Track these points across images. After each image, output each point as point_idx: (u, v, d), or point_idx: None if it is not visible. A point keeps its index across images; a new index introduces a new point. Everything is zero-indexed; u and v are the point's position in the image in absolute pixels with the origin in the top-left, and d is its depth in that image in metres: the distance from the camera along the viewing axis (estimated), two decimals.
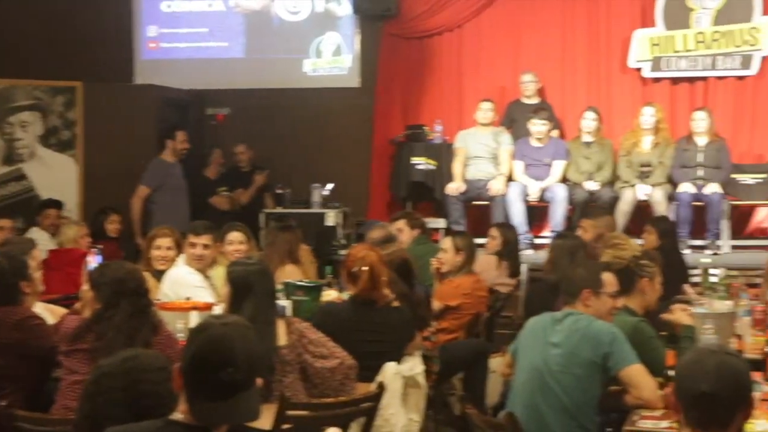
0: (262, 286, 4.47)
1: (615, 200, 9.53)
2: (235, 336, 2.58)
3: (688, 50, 10.38)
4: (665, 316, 5.18)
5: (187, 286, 5.98)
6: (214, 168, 10.64)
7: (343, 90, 11.40)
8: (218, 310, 5.19)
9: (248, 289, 4.44)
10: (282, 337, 4.47)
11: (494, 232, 7.66)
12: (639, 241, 7.62)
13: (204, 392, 2.54)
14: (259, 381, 2.62)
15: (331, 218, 10.15)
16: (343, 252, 8.89)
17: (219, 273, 6.06)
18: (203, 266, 6.20)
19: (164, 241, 6.44)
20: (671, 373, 4.07)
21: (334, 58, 11.48)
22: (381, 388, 4.52)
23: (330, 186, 10.48)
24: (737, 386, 2.63)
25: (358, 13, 11.27)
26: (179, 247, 6.38)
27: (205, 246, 6.18)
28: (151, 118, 10.46)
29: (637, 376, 4.13)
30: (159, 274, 6.21)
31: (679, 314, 5.09)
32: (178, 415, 2.59)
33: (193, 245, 6.16)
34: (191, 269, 6.14)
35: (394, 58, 11.29)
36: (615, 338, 4.19)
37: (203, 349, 2.57)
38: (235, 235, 6.65)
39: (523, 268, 8.04)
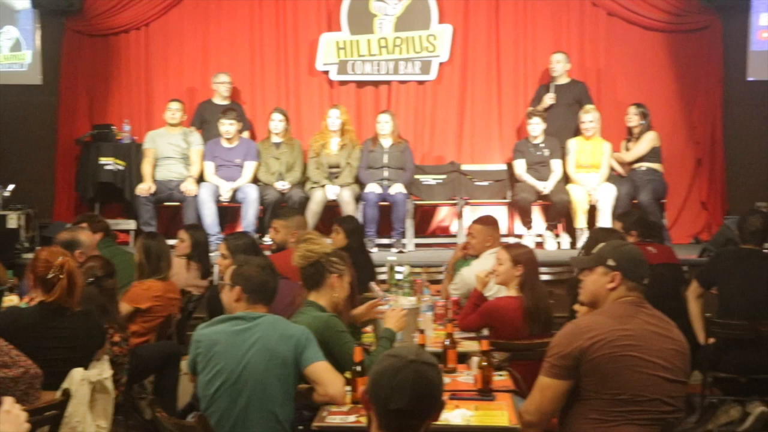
0: None
1: (305, 200, 9.69)
2: None
3: (372, 55, 10.73)
4: (355, 311, 5.30)
5: None
6: None
7: (23, 87, 10.90)
8: None
9: None
10: None
11: (183, 234, 7.57)
12: (328, 241, 7.79)
13: None
14: None
15: (13, 220, 9.66)
16: (27, 255, 8.51)
17: None
18: None
19: None
20: (359, 369, 4.19)
21: (12, 54, 10.94)
22: (66, 395, 4.36)
23: (11, 187, 9.98)
24: (431, 399, 2.73)
25: (37, 8, 10.80)
26: None
27: None
28: None
29: (324, 372, 4.19)
30: None
31: (389, 313, 5.14)
32: None
33: None
34: None
35: (78, 55, 10.92)
36: (308, 336, 4.25)
37: None
38: None
39: (216, 269, 8.00)
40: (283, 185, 9.72)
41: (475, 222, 7.18)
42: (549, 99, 10.23)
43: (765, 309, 6.26)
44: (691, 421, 6.43)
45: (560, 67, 10.33)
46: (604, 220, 9.41)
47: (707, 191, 10.79)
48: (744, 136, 10.73)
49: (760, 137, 10.68)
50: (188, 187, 9.63)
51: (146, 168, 9.83)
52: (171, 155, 9.88)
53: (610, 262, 3.88)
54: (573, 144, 9.98)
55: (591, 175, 9.83)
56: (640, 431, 3.64)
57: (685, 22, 10.79)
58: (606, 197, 9.63)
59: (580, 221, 9.65)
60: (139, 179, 9.87)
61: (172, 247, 7.26)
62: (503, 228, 9.86)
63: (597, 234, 6.49)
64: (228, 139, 9.84)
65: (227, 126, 9.80)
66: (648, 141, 9.87)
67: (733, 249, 7.48)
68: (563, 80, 10.38)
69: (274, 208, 9.41)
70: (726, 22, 10.73)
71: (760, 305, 6.30)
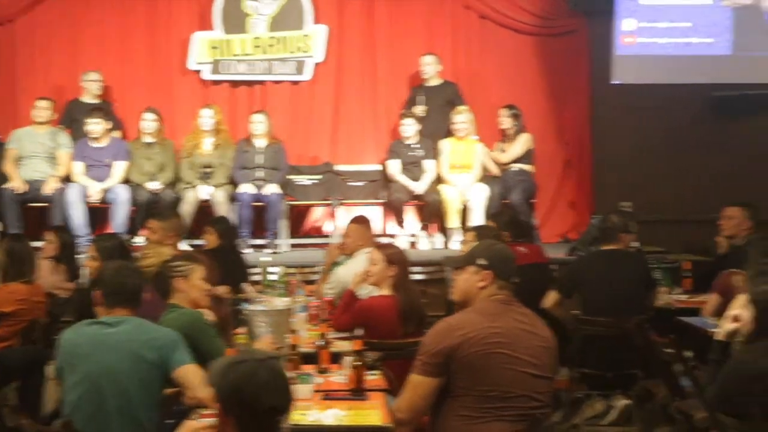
0: None
1: (177, 201, 9.55)
2: None
3: (246, 54, 10.66)
4: None
5: None
6: None
7: None
8: None
9: None
10: None
11: (50, 236, 7.39)
12: (201, 242, 7.72)
13: None
14: None
15: None
16: None
17: None
18: None
19: None
20: None
21: None
22: None
23: None
24: (291, 392, 2.80)
25: None
26: None
27: None
28: None
29: (192, 375, 4.14)
30: None
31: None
32: None
33: None
34: None
35: None
36: (175, 339, 4.20)
37: None
38: None
39: (85, 272, 7.83)
40: (154, 186, 9.56)
41: (350, 222, 7.22)
42: (419, 111, 10.26)
43: (628, 306, 6.46)
44: (558, 415, 6.59)
45: (431, 69, 10.43)
46: (477, 220, 9.54)
47: (575, 191, 11.05)
48: (610, 138, 11.02)
49: (625, 139, 10.99)
50: (52, 187, 9.37)
51: (8, 167, 9.52)
52: (38, 154, 9.61)
53: (481, 261, 3.94)
54: (446, 145, 10.08)
55: (464, 176, 9.95)
56: (508, 427, 3.71)
57: (553, 25, 11.04)
58: (478, 197, 9.76)
59: (453, 221, 9.77)
60: (4, 179, 9.57)
61: (39, 248, 7.07)
62: (377, 228, 9.93)
63: (480, 232, 6.61)
64: (95, 139, 9.64)
65: (92, 125, 9.60)
66: (523, 143, 10.04)
67: (594, 252, 7.72)
68: (435, 82, 10.48)
69: (146, 209, 9.25)
70: (592, 26, 11.00)
71: (623, 303, 6.50)
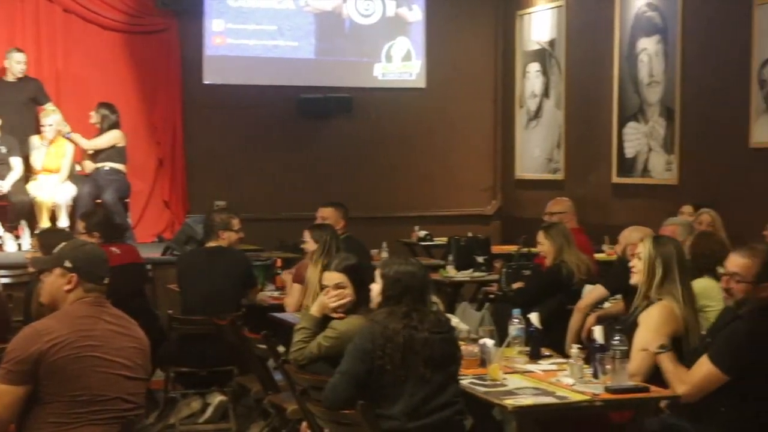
0: None
1: None
2: None
3: None
4: None
5: None
6: None
7: None
8: None
9: None
10: None
11: None
12: None
13: None
14: None
15: None
16: None
17: None
18: None
19: None
20: None
21: None
22: None
23: None
24: None
25: None
26: None
27: None
28: None
29: None
30: None
31: None
32: None
33: None
34: None
35: None
36: None
37: None
38: None
39: None
40: None
41: None
42: None
43: (224, 304, 6.57)
44: (153, 416, 6.57)
45: (12, 63, 9.97)
46: (65, 221, 9.31)
47: (169, 191, 11.06)
48: (203, 137, 11.15)
49: (218, 138, 11.16)
50: None
51: None
52: None
53: (67, 264, 3.87)
54: (34, 143, 9.73)
55: (52, 175, 9.66)
56: (100, 430, 3.69)
57: (142, 23, 10.95)
58: (66, 197, 9.54)
59: (44, 221, 9.45)
60: None
61: None
62: None
63: (45, 236, 6.38)
64: None
65: None
66: (110, 137, 9.88)
67: (194, 249, 7.80)
68: (17, 77, 10.03)
69: None
70: (182, 25, 11.03)
71: (219, 300, 6.62)
